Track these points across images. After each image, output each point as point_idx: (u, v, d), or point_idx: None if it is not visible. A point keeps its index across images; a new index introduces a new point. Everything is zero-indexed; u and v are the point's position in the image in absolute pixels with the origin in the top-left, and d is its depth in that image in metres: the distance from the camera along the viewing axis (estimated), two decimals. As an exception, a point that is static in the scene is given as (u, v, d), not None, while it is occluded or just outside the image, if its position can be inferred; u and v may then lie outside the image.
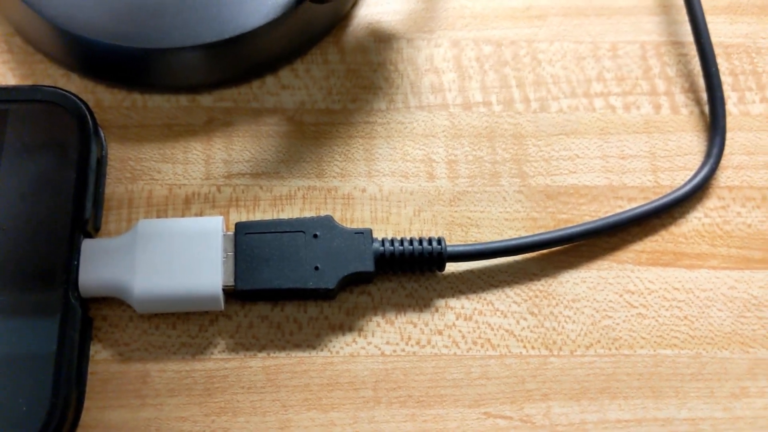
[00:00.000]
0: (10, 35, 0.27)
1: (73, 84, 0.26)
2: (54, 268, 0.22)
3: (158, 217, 0.25)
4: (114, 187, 0.25)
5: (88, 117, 0.24)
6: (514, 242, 0.24)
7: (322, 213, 0.25)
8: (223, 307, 0.23)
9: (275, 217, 0.25)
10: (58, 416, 0.21)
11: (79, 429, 0.22)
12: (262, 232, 0.23)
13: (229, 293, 0.23)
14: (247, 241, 0.23)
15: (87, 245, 0.23)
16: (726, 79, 0.28)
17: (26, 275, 0.22)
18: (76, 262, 0.22)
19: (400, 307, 0.24)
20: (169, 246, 0.23)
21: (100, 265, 0.22)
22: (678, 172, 0.26)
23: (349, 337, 0.24)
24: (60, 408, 0.21)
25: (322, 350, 0.23)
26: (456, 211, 0.25)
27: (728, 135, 0.27)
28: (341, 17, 0.28)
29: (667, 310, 0.24)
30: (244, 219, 0.25)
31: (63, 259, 0.22)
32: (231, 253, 0.23)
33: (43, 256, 0.22)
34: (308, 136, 0.26)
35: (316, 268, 0.23)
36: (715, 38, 0.28)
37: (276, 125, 0.26)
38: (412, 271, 0.24)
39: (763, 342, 0.24)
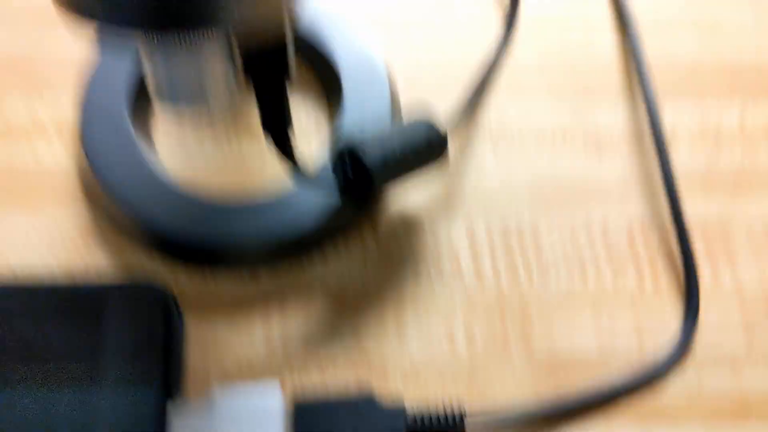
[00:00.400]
0: (102, 222, 0.33)
1: (155, 266, 0.32)
2: (145, 429, 0.27)
3: (227, 382, 0.30)
4: (191, 356, 0.30)
5: (173, 303, 0.29)
6: (524, 412, 0.29)
7: (359, 375, 0.30)
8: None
9: (321, 379, 0.30)
10: None
11: None
12: (315, 410, 0.28)
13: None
14: (303, 418, 0.28)
15: (171, 409, 0.28)
16: (700, 255, 0.33)
17: (124, 440, 0.27)
18: (164, 425, 0.28)
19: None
20: (238, 419, 0.28)
21: (184, 429, 0.28)
22: (660, 337, 0.31)
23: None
24: None
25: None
26: (473, 377, 0.30)
27: (702, 306, 0.32)
28: (376, 207, 0.33)
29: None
30: (297, 382, 0.30)
31: (153, 421, 0.28)
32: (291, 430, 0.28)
33: (137, 419, 0.28)
34: (348, 308, 0.31)
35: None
36: (691, 216, 0.34)
37: (322, 298, 0.32)
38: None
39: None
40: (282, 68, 0.26)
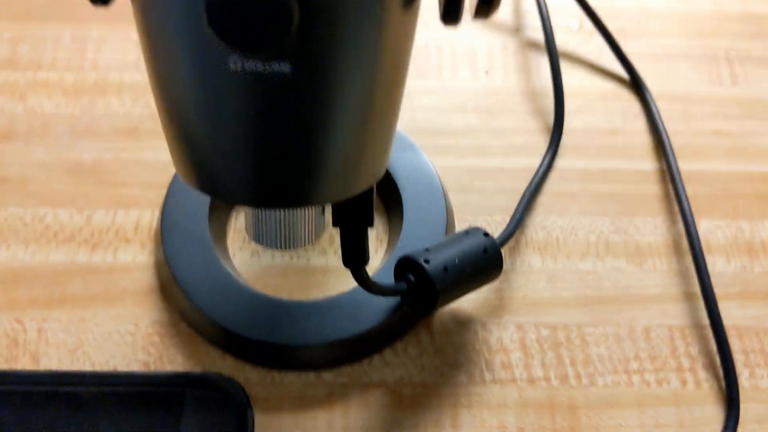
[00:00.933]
0: (177, 321, 0.35)
1: (227, 362, 0.34)
2: None
3: (293, 475, 0.32)
4: (260, 451, 0.32)
5: (245, 397, 0.32)
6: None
7: (419, 472, 0.32)
8: None
9: (382, 474, 0.32)
10: None
11: None
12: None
13: None
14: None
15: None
16: (738, 357, 0.35)
17: None
18: None
19: None
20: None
21: None
22: (702, 440, 0.33)
23: None
24: None
25: None
26: (525, 473, 0.32)
27: (741, 406, 0.34)
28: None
29: None
30: (358, 477, 0.32)
31: None
32: None
33: None
34: (406, 405, 0.33)
35: None
36: (727, 321, 0.36)
37: (381, 396, 0.34)
38: None
39: None
40: (366, 216, 0.29)
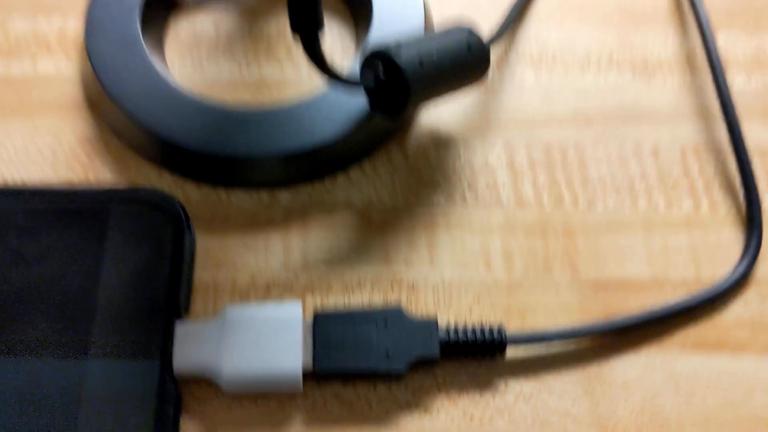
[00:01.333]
0: (107, 135, 0.30)
1: (165, 180, 0.29)
2: (150, 348, 0.24)
3: (241, 301, 0.27)
4: (201, 273, 0.27)
5: (182, 215, 0.27)
6: (570, 329, 0.26)
7: (389, 299, 0.27)
8: (302, 390, 0.25)
9: (346, 301, 0.27)
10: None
11: (170, 499, 0.24)
12: (338, 320, 0.25)
13: (308, 373, 0.25)
14: (324, 327, 0.25)
15: (180, 328, 0.25)
16: (761, 176, 0.30)
17: (124, 354, 0.24)
18: (170, 343, 0.25)
19: (463, 387, 0.26)
20: (254, 331, 0.25)
21: (192, 347, 0.25)
22: (718, 266, 0.28)
23: (416, 415, 0.25)
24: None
25: (391, 428, 0.25)
26: (513, 299, 0.27)
27: (765, 231, 0.29)
28: (405, 123, 0.31)
29: (713, 394, 0.26)
30: (318, 303, 0.27)
31: (159, 340, 0.25)
32: (309, 338, 0.25)
33: (141, 336, 0.25)
34: (376, 229, 0.29)
35: (387, 353, 0.25)
36: (750, 142, 0.31)
37: (347, 219, 0.29)
38: (474, 357, 0.26)
39: (805, 427, 0.26)
40: None
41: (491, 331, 0.26)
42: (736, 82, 0.33)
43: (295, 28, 0.24)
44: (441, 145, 0.30)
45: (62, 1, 0.33)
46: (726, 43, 0.34)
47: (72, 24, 0.32)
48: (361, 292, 0.27)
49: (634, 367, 0.26)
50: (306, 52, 0.25)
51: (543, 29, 0.33)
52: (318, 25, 0.24)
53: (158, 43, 0.32)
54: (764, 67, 0.33)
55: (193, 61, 0.32)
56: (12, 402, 0.24)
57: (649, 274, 0.28)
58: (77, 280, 0.25)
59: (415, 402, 0.26)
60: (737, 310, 0.28)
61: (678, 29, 0.34)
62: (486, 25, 0.33)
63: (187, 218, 0.27)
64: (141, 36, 0.30)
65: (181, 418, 0.25)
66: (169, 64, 0.32)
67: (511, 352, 0.26)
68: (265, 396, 0.26)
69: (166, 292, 0.25)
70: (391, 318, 0.25)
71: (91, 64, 0.30)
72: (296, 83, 0.31)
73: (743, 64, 0.33)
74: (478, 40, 0.28)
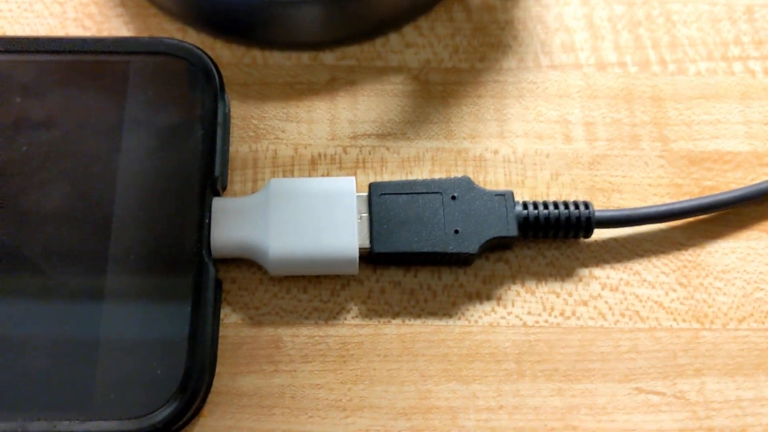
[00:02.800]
0: (125, -11, 0.26)
1: (190, 39, 0.25)
2: (185, 226, 0.21)
3: (285, 177, 0.23)
4: (237, 146, 0.24)
5: (215, 73, 0.23)
6: (663, 208, 0.23)
7: (453, 175, 0.24)
8: (357, 271, 0.21)
9: (403, 178, 0.24)
10: (194, 379, 0.20)
11: (211, 395, 0.21)
12: (398, 193, 0.22)
13: (363, 256, 0.22)
14: (382, 202, 0.22)
15: (218, 204, 0.22)
16: None
17: (157, 233, 0.21)
18: (207, 221, 0.21)
19: (541, 275, 0.23)
20: (303, 206, 0.21)
21: (233, 225, 0.21)
22: (831, 138, 0.25)
23: (487, 306, 0.22)
24: (197, 370, 0.20)
25: (459, 319, 0.22)
26: (596, 176, 0.24)
27: None
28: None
29: (827, 282, 0.23)
30: (372, 180, 0.24)
31: (195, 218, 0.21)
32: (365, 215, 0.22)
33: (174, 214, 0.21)
34: (435, 96, 0.25)
35: (456, 231, 0.22)
36: None
37: (401, 84, 0.25)
38: (556, 238, 0.22)
39: None
40: None
41: (577, 207, 0.22)
42: None
43: None
44: (509, 0, 0.26)
45: None
46: None
47: None
48: (420, 168, 0.24)
49: (735, 253, 0.23)
50: None
51: None
52: None
53: None
54: None
55: None
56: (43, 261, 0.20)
57: (748, 147, 0.24)
58: (93, 148, 0.22)
59: (485, 291, 0.22)
60: None
61: None
62: None
63: (221, 77, 0.23)
64: None
65: (221, 306, 0.22)
66: None
67: (595, 235, 0.23)
68: (314, 284, 0.22)
69: (201, 163, 0.22)
70: (460, 190, 0.22)
71: None
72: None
73: None
74: None
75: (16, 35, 0.24)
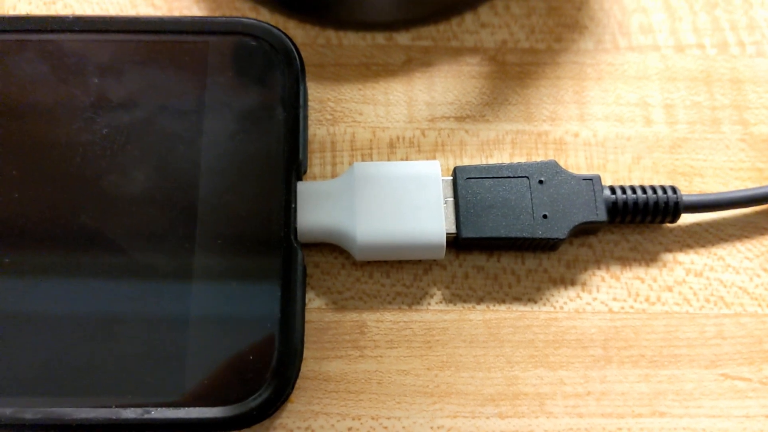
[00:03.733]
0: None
1: (263, 18, 0.25)
2: (271, 210, 0.21)
3: (363, 160, 0.23)
4: (315, 128, 0.24)
5: (296, 53, 0.22)
6: (750, 193, 0.22)
7: (533, 159, 0.23)
8: (443, 255, 0.21)
9: (482, 162, 0.23)
10: (287, 363, 0.19)
11: (298, 380, 0.21)
12: (484, 177, 0.22)
13: (449, 242, 0.21)
14: (467, 186, 0.22)
15: (303, 188, 0.21)
16: None
17: (243, 217, 0.21)
18: (294, 206, 0.21)
19: (625, 261, 0.22)
20: (387, 191, 0.21)
21: (319, 210, 0.21)
22: None
23: (572, 292, 0.22)
24: (289, 355, 0.20)
25: (544, 305, 0.22)
26: (677, 159, 0.24)
27: None
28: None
29: None
30: (451, 164, 0.23)
31: (280, 202, 0.21)
32: (450, 199, 0.22)
33: (259, 197, 0.21)
34: (513, 77, 0.24)
35: (545, 216, 0.21)
36: None
37: (478, 65, 0.24)
38: (642, 222, 0.22)
39: None
40: None
41: (665, 191, 0.22)
42: None
43: None
44: (584, -20, 0.26)
45: None
46: None
47: None
48: (500, 151, 0.24)
49: (819, 238, 0.23)
50: None
51: None
52: None
53: None
54: None
55: None
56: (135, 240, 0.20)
57: (831, 132, 0.24)
58: (175, 130, 0.22)
59: (570, 277, 0.22)
60: None
61: None
62: None
63: (301, 59, 0.23)
64: None
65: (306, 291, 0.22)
66: None
67: (679, 220, 0.23)
68: (397, 268, 0.22)
69: (285, 147, 0.21)
70: (548, 174, 0.22)
71: None
72: None
73: None
74: None
75: (91, 14, 0.24)
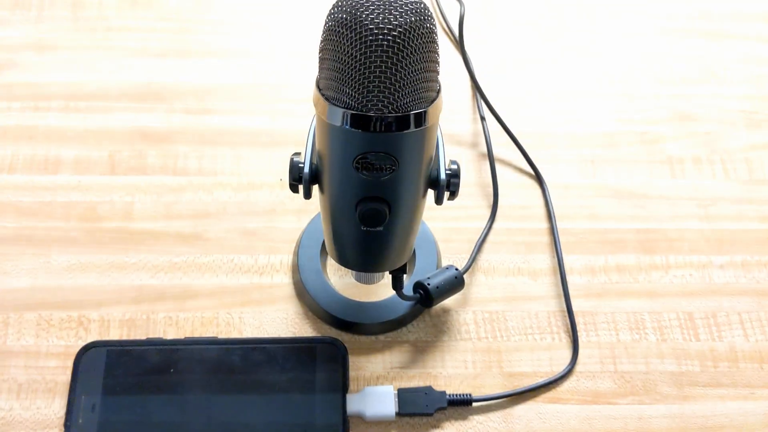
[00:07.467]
0: (306, 312, 0.71)
1: (332, 332, 0.70)
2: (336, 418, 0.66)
3: (367, 386, 0.69)
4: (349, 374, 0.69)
5: (345, 350, 0.68)
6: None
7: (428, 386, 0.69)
8: None
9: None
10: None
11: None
12: (414, 391, 0.68)
13: None
14: (403, 394, 0.67)
15: (348, 400, 0.67)
16: (580, 325, 0.72)
17: None
18: (345, 411, 0.66)
19: None
20: (369, 397, 0.67)
21: (350, 407, 0.66)
22: None
23: None
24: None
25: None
26: None
27: (580, 351, 0.71)
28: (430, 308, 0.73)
29: None
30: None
31: (341, 410, 0.66)
32: None
33: (329, 410, 0.66)
34: (420, 350, 0.71)
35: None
36: (576, 308, 0.73)
37: (409, 347, 0.71)
38: None
39: None
40: (402, 270, 0.64)
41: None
42: (575, 279, 0.74)
43: (394, 287, 0.66)
44: (446, 313, 0.72)
45: (282, 247, 0.75)
46: (571, 260, 0.75)
47: (287, 258, 0.74)
48: (419, 383, 0.69)
49: None
50: (397, 293, 0.67)
51: (489, 255, 0.75)
52: (403, 272, 0.66)
53: (325, 266, 0.73)
54: (587, 272, 0.75)
55: (341, 273, 0.73)
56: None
57: None
58: (292, 410, 0.67)
59: None
60: None
61: (550, 253, 0.76)
62: (463, 251, 0.75)
63: (346, 350, 0.68)
64: (320, 264, 0.72)
65: None
66: (330, 276, 0.73)
67: None
68: None
69: (341, 415, 0.66)
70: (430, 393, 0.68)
71: (300, 277, 0.72)
72: (388, 287, 0.73)
73: (578, 270, 0.75)
74: (459, 272, 0.70)
75: (236, 337, 0.70)
